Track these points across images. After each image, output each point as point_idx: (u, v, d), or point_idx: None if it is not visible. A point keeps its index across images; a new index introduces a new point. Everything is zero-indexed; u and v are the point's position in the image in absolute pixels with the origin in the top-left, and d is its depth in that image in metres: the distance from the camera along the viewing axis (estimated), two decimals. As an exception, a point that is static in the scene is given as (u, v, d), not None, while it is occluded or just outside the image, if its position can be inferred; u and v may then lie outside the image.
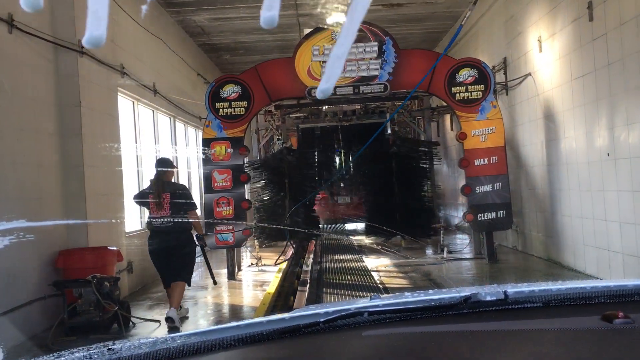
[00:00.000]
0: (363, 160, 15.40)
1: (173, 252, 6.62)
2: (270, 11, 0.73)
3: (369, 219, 14.49)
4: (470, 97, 9.42)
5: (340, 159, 16.70)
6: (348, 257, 11.69)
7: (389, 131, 14.11)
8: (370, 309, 1.28)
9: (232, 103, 9.49)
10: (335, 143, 16.30)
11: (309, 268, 10.24)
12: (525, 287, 1.37)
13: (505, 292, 1.31)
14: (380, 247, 12.55)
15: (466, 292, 1.33)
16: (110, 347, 1.16)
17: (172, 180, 7.03)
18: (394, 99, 11.81)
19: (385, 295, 1.73)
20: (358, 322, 1.25)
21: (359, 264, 10.74)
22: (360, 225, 16.73)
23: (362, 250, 12.74)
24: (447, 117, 14.72)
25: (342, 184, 16.71)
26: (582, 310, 1.28)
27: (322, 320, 1.23)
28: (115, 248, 7.18)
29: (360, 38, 9.49)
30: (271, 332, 1.21)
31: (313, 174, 14.69)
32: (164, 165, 6.92)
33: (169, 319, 6.31)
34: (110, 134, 8.33)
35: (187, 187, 7.11)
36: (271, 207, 12.39)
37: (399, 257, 11.09)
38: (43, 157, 6.75)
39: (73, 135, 7.24)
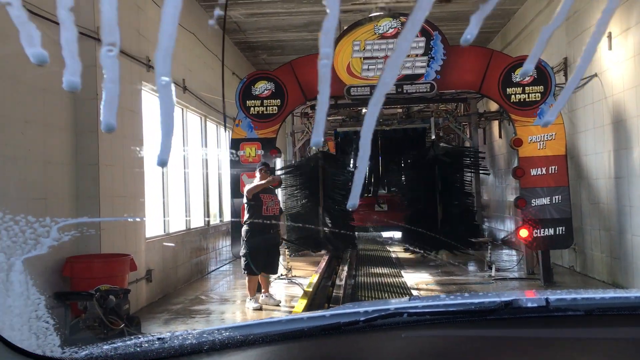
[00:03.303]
0: (402, 168, 14.57)
1: None
2: (317, 137, 0.79)
3: (407, 229, 13.64)
4: (527, 100, 8.47)
5: (379, 166, 15.81)
6: (385, 270, 10.83)
7: (433, 137, 13.18)
8: (410, 310, 1.27)
9: (265, 101, 8.77)
10: (375, 148, 15.43)
11: (343, 282, 9.42)
12: (567, 295, 1.35)
13: (547, 299, 1.28)
14: (415, 252, 11.63)
15: (506, 297, 1.30)
16: (159, 337, 1.22)
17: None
18: (441, 101, 10.92)
19: (423, 296, 1.73)
20: (397, 322, 1.25)
21: (397, 279, 9.88)
22: (397, 234, 15.90)
23: (401, 263, 11.85)
24: (495, 124, 13.73)
25: (380, 192, 15.87)
26: (626, 320, 1.26)
27: (362, 319, 1.23)
28: (129, 255, 6.50)
29: (406, 33, 8.67)
30: (312, 329, 1.23)
31: (349, 180, 13.82)
32: None
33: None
34: (132, 132, 7.70)
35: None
36: (304, 214, 11.62)
37: (441, 273, 10.16)
38: (52, 153, 6.13)
39: (88, 130, 6.62)
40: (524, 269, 9.78)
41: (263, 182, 7.28)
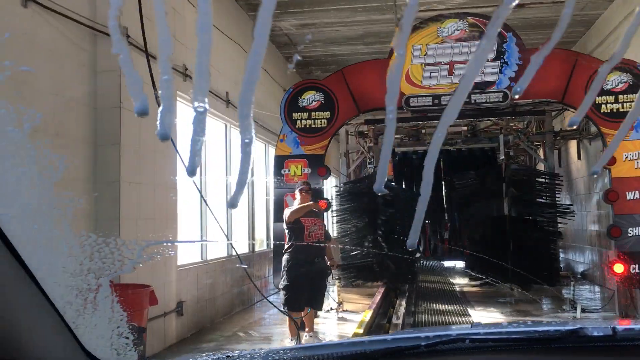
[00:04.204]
0: (468, 192, 13.30)
1: None
2: (378, 185, 0.80)
3: (473, 258, 12.32)
4: (621, 110, 7.18)
5: (441, 189, 14.56)
6: (449, 307, 9.57)
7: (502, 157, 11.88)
8: (472, 337, 1.27)
9: (312, 113, 7.85)
10: (437, 171, 14.22)
11: (400, 320, 8.26)
12: (635, 324, 1.32)
13: (614, 328, 1.22)
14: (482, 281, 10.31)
15: (571, 325, 1.28)
16: (229, 354, 1.30)
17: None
18: (514, 114, 9.67)
19: (485, 323, 1.71)
20: (459, 348, 1.24)
21: (463, 317, 8.62)
22: (459, 264, 14.60)
23: (466, 298, 10.55)
24: (573, 144, 12.30)
25: (443, 218, 14.60)
26: None
27: (423, 344, 1.23)
28: (148, 287, 5.62)
29: (474, 35, 7.58)
30: (374, 352, 1.24)
31: (407, 203, 12.62)
32: None
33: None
34: (163, 147, 6.90)
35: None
36: (357, 241, 10.53)
37: (514, 312, 8.83)
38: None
39: (109, 143, 5.86)
40: (614, 309, 8.32)
41: (306, 204, 6.29)
